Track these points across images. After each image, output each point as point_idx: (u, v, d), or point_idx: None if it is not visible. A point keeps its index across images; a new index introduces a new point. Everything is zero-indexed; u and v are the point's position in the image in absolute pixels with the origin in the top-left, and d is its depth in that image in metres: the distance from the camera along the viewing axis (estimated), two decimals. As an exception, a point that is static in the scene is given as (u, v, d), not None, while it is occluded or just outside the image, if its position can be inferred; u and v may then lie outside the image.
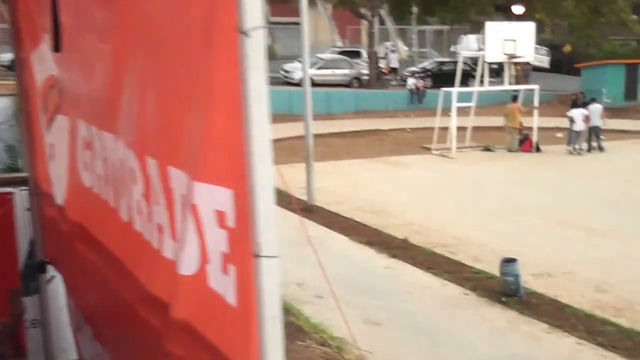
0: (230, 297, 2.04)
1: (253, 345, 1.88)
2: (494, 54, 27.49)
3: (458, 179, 22.95)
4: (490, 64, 29.47)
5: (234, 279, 2.02)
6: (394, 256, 14.40)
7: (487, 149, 28.40)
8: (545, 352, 10.25)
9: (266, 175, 1.77)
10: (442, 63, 44.72)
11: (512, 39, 27.43)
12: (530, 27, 28.88)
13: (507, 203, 19.48)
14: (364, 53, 45.96)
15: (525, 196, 20.36)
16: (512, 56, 27.91)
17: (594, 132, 28.17)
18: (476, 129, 30.07)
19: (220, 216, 2.03)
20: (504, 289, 12.29)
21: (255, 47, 1.79)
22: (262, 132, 1.82)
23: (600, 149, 28.55)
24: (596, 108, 28.33)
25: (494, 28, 28.57)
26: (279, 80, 41.52)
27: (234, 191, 1.91)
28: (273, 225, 1.87)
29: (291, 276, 11.78)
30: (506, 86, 30.13)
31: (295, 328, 9.79)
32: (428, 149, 27.95)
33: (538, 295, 12.37)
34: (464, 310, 11.74)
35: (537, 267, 13.82)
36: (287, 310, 10.69)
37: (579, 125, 27.53)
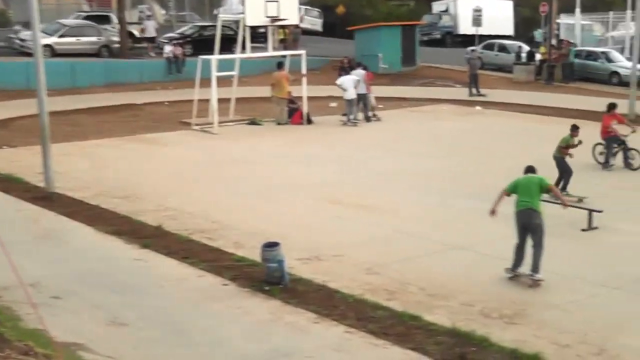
0: None
1: None
2: (254, 16, 27.51)
3: (221, 156, 22.93)
4: (254, 28, 29.61)
5: None
6: (145, 246, 14.11)
7: (254, 123, 28.62)
8: (311, 344, 10.39)
9: None
10: (204, 27, 44.45)
11: (274, 0, 27.55)
12: (294, -14, 29.16)
13: (275, 181, 19.72)
14: (114, 18, 44.72)
15: (295, 173, 20.72)
16: (275, 19, 28.08)
17: (362, 101, 29.09)
18: (241, 100, 30.26)
19: None
20: (267, 277, 12.36)
21: None
22: None
23: (374, 117, 29.59)
24: (359, 74, 29.29)
25: (256, -12, 28.46)
26: (15, 51, 39.55)
27: None
28: None
29: (24, 276, 11.14)
30: (271, 52, 30.40)
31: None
32: (188, 125, 27.72)
33: (305, 282, 12.56)
34: (222, 303, 11.68)
35: (305, 251, 14.07)
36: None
37: (351, 93, 28.33)
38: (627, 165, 21.32)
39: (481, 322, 11.17)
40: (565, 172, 18.32)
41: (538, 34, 53.53)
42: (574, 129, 18.66)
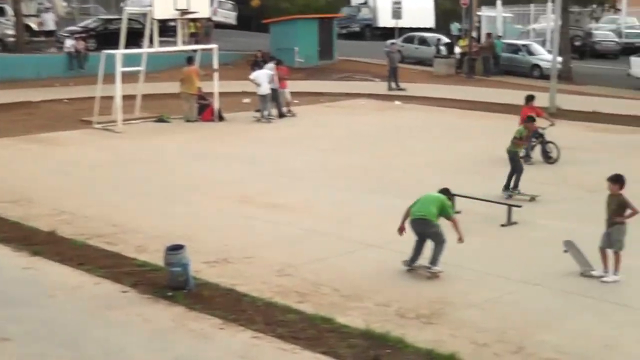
0: None
1: None
2: (163, 9, 27.16)
3: (124, 156, 22.52)
4: (163, 21, 29.22)
5: None
6: (36, 253, 13.63)
7: (162, 120, 28.22)
8: (216, 352, 10.16)
9: None
10: (109, 21, 43.84)
11: (183, -7, 27.32)
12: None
13: (182, 181, 19.43)
14: (10, 10, 43.74)
15: (204, 172, 20.45)
16: (184, 12, 27.80)
17: (274, 96, 28.93)
18: (148, 97, 29.82)
19: None
20: (171, 282, 12.08)
21: None
22: None
23: (289, 113, 29.50)
24: (270, 69, 29.20)
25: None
26: None
27: None
28: None
29: None
30: (180, 47, 30.09)
31: None
32: (89, 123, 27.14)
33: (212, 286, 12.33)
34: (120, 312, 11.34)
35: (213, 253, 13.84)
36: None
37: (265, 89, 28.20)
38: (546, 158, 21.55)
39: (397, 323, 11.10)
40: (516, 170, 18.08)
41: (454, 27, 54.13)
42: (529, 120, 18.80)
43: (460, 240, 13.15)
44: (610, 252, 12.92)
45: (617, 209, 12.80)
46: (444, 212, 13.15)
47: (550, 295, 12.32)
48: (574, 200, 18.00)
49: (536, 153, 21.67)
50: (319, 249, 14.38)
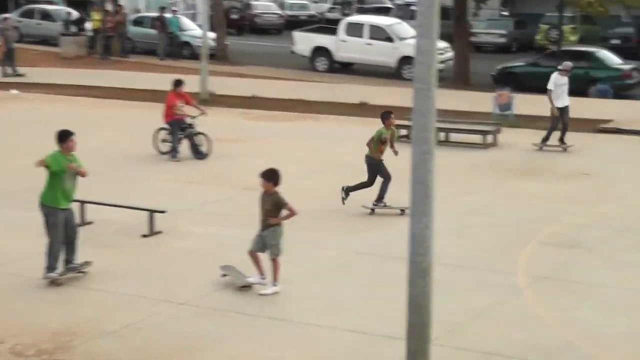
0: None
1: None
2: None
3: None
4: None
5: None
6: None
7: None
8: None
9: None
10: None
11: None
12: None
13: None
14: None
15: None
16: None
17: None
18: None
19: None
20: None
21: None
22: None
23: None
24: None
25: None
26: None
27: None
28: None
29: None
30: None
31: None
32: None
33: None
34: None
35: None
36: None
37: None
38: (196, 153, 22.04)
39: (11, 363, 11.03)
40: (383, 178, 17.70)
41: None
42: (387, 116, 17.90)
43: None
44: (262, 255, 13.45)
45: (272, 209, 13.30)
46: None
47: (200, 315, 12.69)
48: (226, 201, 18.55)
49: (184, 147, 22.06)
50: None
